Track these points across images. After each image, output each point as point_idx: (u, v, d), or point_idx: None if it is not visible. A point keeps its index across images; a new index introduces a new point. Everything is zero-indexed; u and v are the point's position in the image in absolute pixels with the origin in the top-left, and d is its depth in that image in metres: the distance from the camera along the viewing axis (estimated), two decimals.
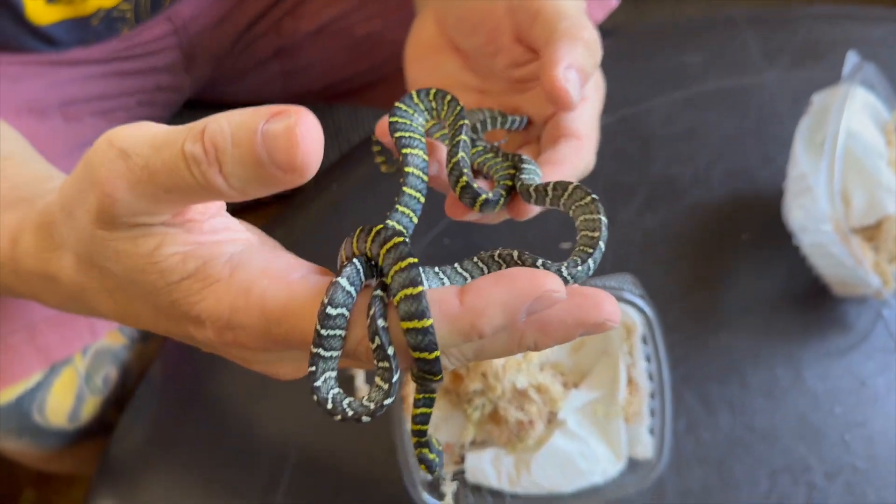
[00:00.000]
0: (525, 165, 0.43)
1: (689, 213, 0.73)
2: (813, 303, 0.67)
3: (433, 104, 0.43)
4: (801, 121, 0.66)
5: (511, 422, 0.57)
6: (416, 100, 0.43)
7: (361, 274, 0.34)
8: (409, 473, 0.57)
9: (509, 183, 0.43)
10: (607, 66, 0.83)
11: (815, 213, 0.61)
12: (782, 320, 0.67)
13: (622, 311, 0.57)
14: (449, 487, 0.59)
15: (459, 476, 0.60)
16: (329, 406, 0.33)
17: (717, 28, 0.84)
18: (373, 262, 0.34)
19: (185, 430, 0.67)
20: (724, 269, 0.70)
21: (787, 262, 0.69)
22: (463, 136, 0.42)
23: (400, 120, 0.41)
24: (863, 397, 0.63)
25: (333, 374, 0.34)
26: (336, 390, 0.34)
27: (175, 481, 0.65)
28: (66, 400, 0.68)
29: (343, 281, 0.32)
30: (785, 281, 0.68)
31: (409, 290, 0.31)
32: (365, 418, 0.33)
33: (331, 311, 0.32)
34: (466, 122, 0.42)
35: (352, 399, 0.34)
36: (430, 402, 0.37)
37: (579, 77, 0.45)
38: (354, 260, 0.34)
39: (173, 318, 0.35)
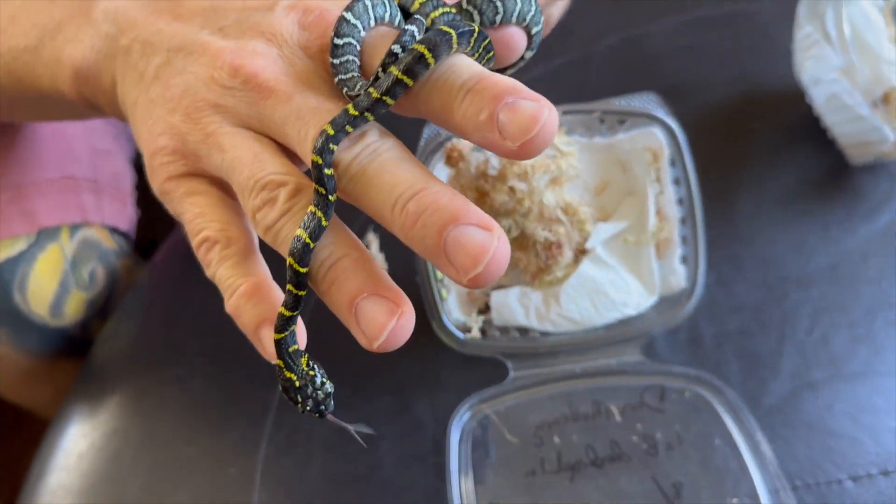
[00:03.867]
0: None
1: (700, 111, 0.73)
2: (832, 173, 0.66)
3: None
4: (799, 2, 0.68)
5: (539, 243, 0.54)
6: None
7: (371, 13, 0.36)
8: (431, 307, 0.54)
9: None
10: None
11: (826, 61, 0.62)
12: (803, 190, 0.66)
13: (649, 132, 0.56)
14: (475, 323, 0.55)
15: (487, 325, 0.56)
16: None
17: None
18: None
19: (176, 339, 0.63)
20: (738, 151, 0.69)
21: (802, 144, 0.69)
22: None
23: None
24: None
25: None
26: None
27: (164, 390, 0.60)
28: (49, 283, 0.64)
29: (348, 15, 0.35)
30: (801, 159, 0.68)
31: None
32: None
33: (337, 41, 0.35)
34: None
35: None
36: (294, 304, 0.33)
37: None
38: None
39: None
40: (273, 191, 0.34)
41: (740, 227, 0.64)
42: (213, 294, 0.65)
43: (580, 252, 0.56)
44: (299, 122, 0.34)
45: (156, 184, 0.40)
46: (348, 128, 0.32)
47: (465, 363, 0.56)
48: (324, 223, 0.32)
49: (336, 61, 0.34)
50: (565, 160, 0.54)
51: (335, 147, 0.32)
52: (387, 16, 0.37)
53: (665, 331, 0.56)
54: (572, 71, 0.78)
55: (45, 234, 0.63)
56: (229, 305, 0.37)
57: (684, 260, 0.56)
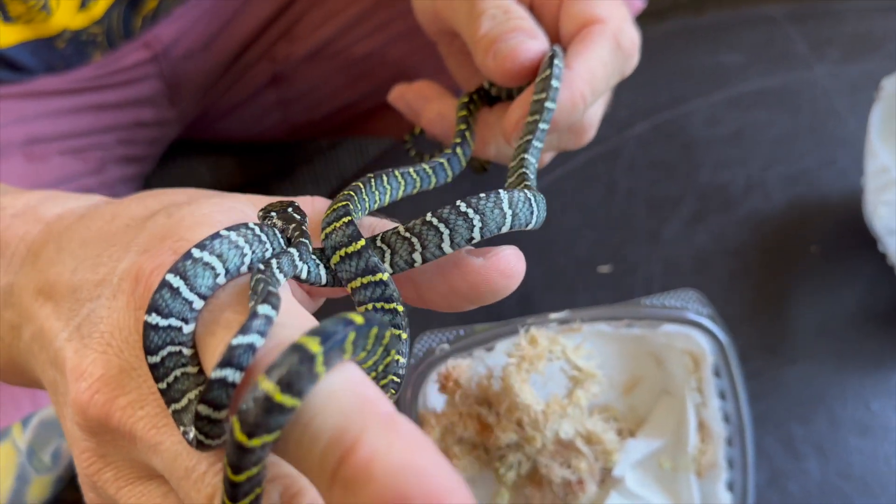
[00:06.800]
0: None
1: (746, 224, 0.63)
2: None
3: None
4: (872, 110, 0.56)
5: (556, 483, 0.46)
6: None
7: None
8: None
9: None
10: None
11: None
12: (869, 344, 0.56)
13: (688, 335, 0.46)
14: None
15: None
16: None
17: (753, 26, 0.75)
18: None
19: None
20: (794, 287, 0.59)
21: (868, 277, 0.58)
22: None
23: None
24: None
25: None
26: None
27: None
28: (4, 480, 0.57)
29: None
30: (867, 298, 0.58)
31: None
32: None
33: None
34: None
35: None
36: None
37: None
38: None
39: None
40: None
41: (796, 396, 0.54)
42: None
43: (606, 476, 0.48)
44: (186, 486, 0.25)
45: None
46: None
47: None
48: None
49: (162, 385, 0.25)
50: (585, 390, 0.45)
51: None
52: (221, 278, 0.26)
53: None
54: (600, 168, 0.67)
55: None
56: None
57: (731, 487, 0.47)
